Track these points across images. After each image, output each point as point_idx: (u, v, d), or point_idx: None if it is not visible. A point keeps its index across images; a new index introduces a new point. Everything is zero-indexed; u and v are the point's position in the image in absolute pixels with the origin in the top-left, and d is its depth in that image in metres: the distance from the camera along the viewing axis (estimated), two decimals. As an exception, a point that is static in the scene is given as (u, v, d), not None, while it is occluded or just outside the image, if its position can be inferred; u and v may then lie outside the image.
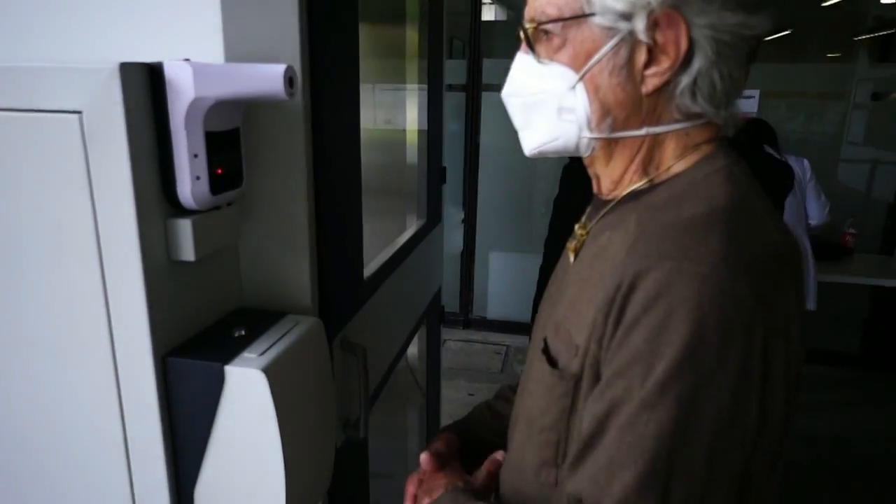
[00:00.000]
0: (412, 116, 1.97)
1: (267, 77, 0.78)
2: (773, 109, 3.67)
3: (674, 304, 0.50)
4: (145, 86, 0.76)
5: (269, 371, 0.81)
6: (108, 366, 0.82)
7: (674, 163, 0.62)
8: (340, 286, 1.15)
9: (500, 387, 1.09)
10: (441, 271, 2.13)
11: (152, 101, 0.77)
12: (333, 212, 1.08)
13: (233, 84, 0.78)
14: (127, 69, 0.72)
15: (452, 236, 4.50)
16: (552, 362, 0.70)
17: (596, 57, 0.58)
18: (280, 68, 0.78)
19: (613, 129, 0.61)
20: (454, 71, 4.34)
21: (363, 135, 1.23)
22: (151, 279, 0.79)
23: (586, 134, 0.62)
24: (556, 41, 0.60)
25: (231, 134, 0.85)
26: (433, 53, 1.88)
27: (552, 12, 0.59)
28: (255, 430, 0.83)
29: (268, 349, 0.86)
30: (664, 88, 0.58)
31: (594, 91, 0.59)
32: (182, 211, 0.82)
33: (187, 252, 0.82)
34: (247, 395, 0.82)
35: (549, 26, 0.59)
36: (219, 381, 0.82)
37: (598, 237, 0.68)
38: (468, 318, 4.59)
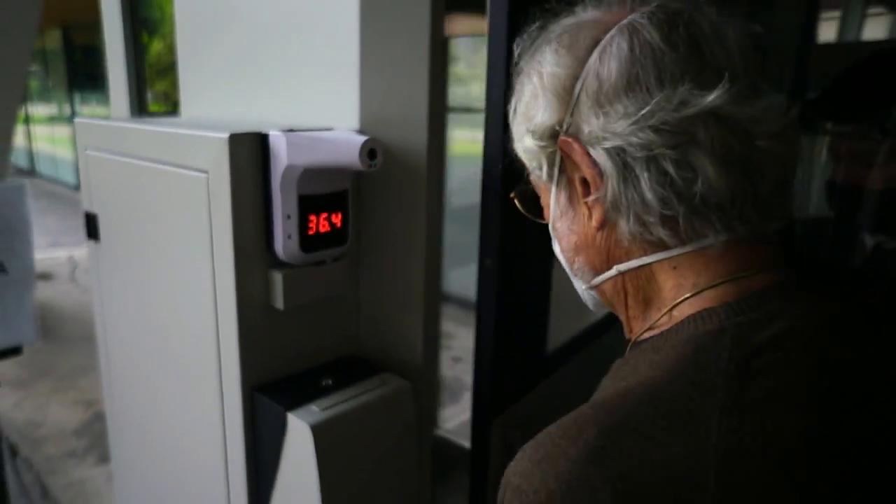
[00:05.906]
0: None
1: (346, 148, 0.82)
2: None
3: None
4: (252, 153, 0.86)
5: (319, 427, 0.84)
6: (215, 392, 0.96)
7: (675, 305, 0.48)
8: (513, 358, 1.03)
9: None
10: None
11: (262, 167, 0.87)
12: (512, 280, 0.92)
13: (317, 153, 0.83)
14: (235, 140, 0.83)
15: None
16: None
17: (551, 206, 0.54)
18: (358, 140, 0.81)
19: (594, 274, 0.53)
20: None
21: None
22: (244, 320, 0.89)
23: (581, 286, 0.56)
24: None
25: (334, 196, 0.91)
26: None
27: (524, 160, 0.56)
28: (302, 481, 0.87)
29: (337, 404, 0.89)
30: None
31: (560, 239, 0.55)
32: (280, 264, 0.91)
33: (278, 301, 0.90)
34: (298, 445, 0.86)
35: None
36: (282, 426, 0.88)
37: None
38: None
